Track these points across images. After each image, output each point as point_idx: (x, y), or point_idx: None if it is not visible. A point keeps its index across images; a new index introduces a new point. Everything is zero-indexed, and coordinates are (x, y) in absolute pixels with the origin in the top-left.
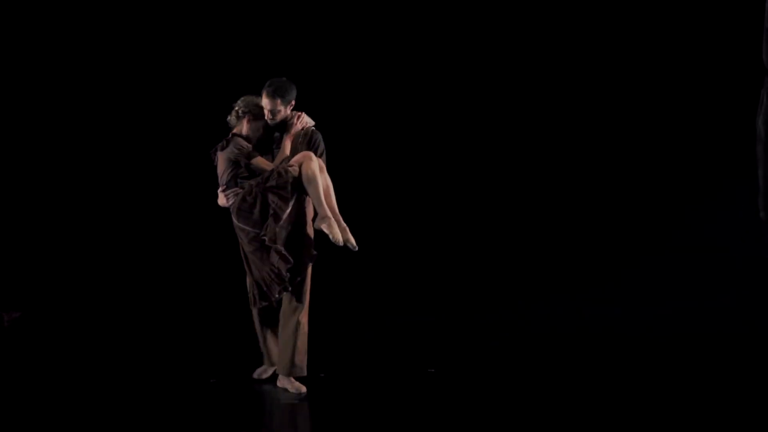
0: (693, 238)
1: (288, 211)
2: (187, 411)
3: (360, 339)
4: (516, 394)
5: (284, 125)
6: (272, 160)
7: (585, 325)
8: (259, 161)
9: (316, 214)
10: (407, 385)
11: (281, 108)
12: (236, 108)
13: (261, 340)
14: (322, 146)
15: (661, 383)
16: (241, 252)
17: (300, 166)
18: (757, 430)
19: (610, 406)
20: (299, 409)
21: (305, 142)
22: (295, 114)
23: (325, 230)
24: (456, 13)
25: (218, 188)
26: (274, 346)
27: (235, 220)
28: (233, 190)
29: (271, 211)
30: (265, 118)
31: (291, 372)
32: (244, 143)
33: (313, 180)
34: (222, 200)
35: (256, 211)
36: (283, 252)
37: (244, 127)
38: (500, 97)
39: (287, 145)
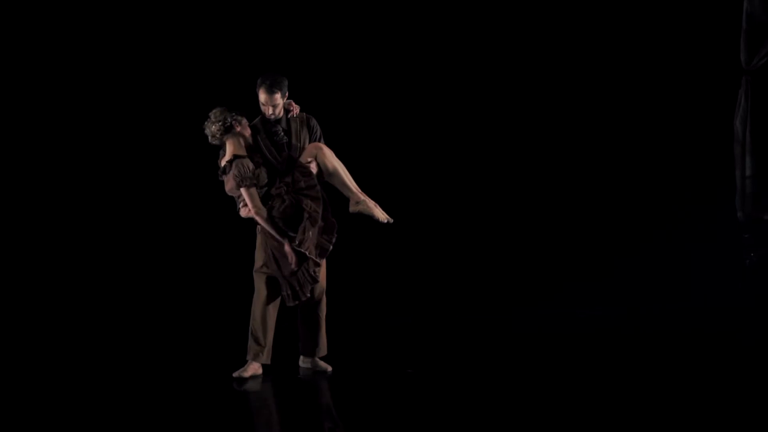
0: (673, 239)
1: (321, 211)
2: (180, 410)
3: (346, 339)
4: (500, 394)
5: (283, 117)
6: (280, 154)
7: (571, 326)
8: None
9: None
10: (387, 385)
11: (281, 101)
12: (219, 121)
13: (266, 333)
14: (319, 129)
15: (645, 382)
16: (269, 253)
17: (316, 161)
18: (743, 428)
19: (597, 405)
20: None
21: (304, 128)
22: (287, 102)
23: (366, 212)
24: (441, 14)
25: (237, 205)
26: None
27: (265, 225)
28: None
29: (307, 215)
30: (265, 114)
31: (317, 353)
32: (247, 166)
33: (335, 171)
34: (245, 212)
35: (292, 216)
36: (315, 257)
37: (237, 139)
38: (486, 103)
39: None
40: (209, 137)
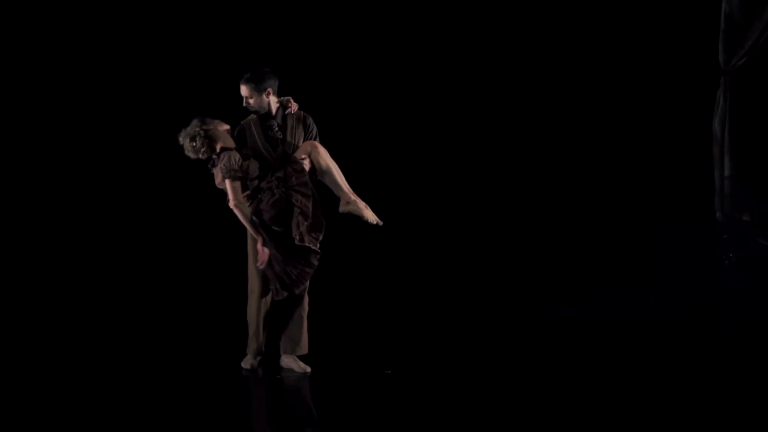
0: (651, 240)
1: (311, 207)
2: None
3: (326, 340)
4: (478, 394)
5: (279, 113)
6: (274, 149)
7: (548, 327)
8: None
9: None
10: (366, 386)
11: (253, 94)
12: (197, 133)
13: (260, 330)
14: (315, 128)
15: (619, 383)
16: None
17: (310, 159)
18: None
19: (570, 405)
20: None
21: (300, 125)
22: (285, 99)
23: (355, 213)
24: (423, 11)
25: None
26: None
27: (243, 219)
28: (244, 194)
29: (298, 210)
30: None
31: (297, 351)
32: (234, 158)
33: (328, 170)
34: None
35: (282, 210)
36: (315, 248)
37: (224, 133)
38: (463, 107)
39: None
40: (197, 153)
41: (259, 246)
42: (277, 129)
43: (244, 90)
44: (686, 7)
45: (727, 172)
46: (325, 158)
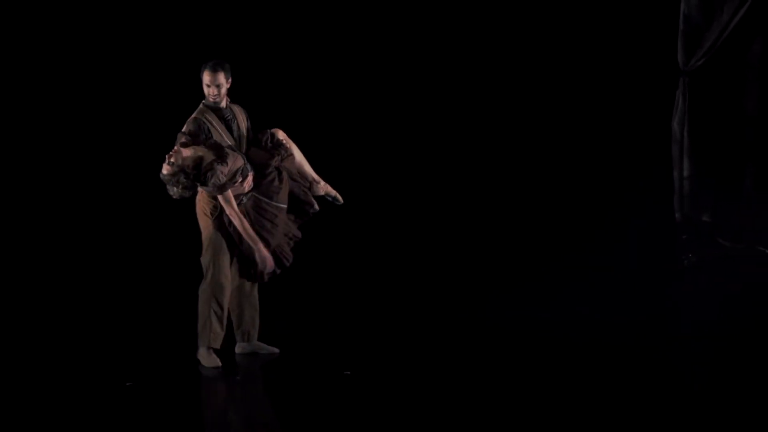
0: (610, 240)
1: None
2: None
3: (285, 340)
4: (440, 395)
5: (229, 108)
6: (232, 135)
7: (511, 329)
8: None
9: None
10: (327, 387)
11: (224, 82)
12: (175, 176)
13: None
14: None
15: (573, 387)
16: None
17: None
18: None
19: (534, 408)
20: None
21: (243, 114)
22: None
23: (330, 193)
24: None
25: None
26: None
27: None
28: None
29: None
30: (209, 96)
31: (257, 336)
32: (218, 173)
33: (299, 153)
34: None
35: (279, 185)
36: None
37: (194, 159)
38: (430, 109)
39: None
40: (192, 188)
41: (263, 253)
42: (232, 118)
43: (220, 77)
44: (645, 7)
45: (686, 173)
46: (291, 142)
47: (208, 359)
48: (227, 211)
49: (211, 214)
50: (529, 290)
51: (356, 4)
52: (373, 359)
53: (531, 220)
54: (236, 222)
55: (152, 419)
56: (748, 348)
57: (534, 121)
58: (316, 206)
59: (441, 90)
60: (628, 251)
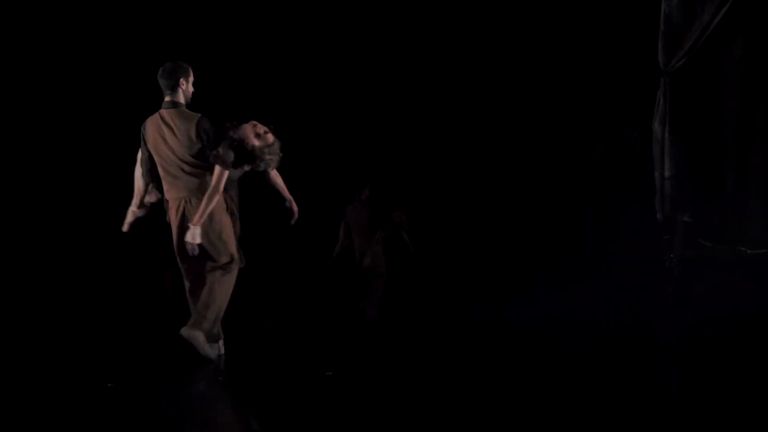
0: (590, 240)
1: None
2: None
3: (252, 340)
4: (415, 395)
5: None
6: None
7: (489, 327)
8: None
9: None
10: (305, 388)
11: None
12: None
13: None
14: None
15: (554, 384)
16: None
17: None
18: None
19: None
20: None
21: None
22: None
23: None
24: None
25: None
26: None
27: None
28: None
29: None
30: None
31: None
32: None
33: None
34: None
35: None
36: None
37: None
38: (414, 108)
39: None
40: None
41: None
42: None
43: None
44: (626, 9)
45: (667, 173)
46: None
47: (206, 347)
48: (219, 186)
49: (231, 212)
50: (509, 291)
51: (348, 7)
52: (353, 359)
53: (509, 221)
54: (216, 198)
55: (135, 420)
56: (731, 348)
57: (512, 123)
58: None
59: (415, 92)
60: (610, 251)
